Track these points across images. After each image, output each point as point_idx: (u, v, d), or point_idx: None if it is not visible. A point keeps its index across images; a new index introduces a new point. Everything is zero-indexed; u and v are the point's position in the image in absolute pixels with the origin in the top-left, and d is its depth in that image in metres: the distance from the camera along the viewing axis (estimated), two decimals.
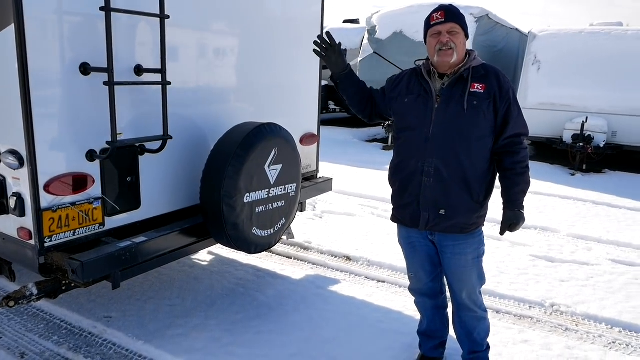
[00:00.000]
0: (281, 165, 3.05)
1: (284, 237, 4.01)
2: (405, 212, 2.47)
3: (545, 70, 9.06)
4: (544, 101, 8.96)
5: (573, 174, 8.30)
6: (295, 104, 3.85)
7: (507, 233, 2.45)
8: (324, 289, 3.74)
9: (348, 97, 2.66)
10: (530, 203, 6.42)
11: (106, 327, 3.11)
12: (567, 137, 8.50)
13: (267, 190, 2.99)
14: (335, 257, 4.44)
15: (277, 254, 4.46)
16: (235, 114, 3.24)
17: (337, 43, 2.56)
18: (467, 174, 2.35)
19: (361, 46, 11.50)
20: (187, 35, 2.93)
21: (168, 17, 2.56)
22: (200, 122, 3.04)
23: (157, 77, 2.64)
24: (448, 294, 2.69)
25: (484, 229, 2.56)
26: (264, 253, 4.45)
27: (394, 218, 2.58)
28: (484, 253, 2.56)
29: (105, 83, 2.36)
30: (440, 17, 2.34)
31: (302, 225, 5.11)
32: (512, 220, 2.40)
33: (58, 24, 2.29)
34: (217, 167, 2.77)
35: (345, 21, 14.60)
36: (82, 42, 2.39)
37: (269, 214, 3.03)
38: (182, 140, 2.92)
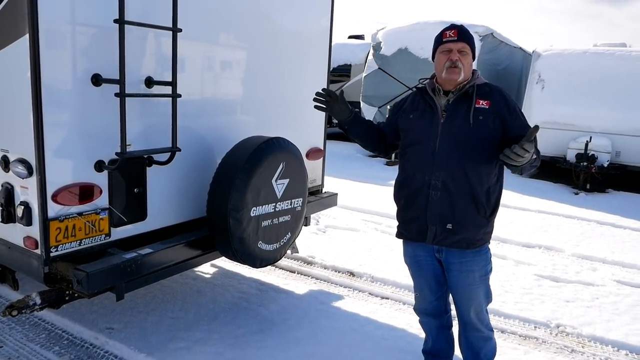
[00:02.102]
0: (288, 179, 3.05)
1: (289, 252, 3.99)
2: (412, 226, 2.47)
3: (549, 89, 9.10)
4: (547, 120, 8.97)
5: (577, 193, 8.29)
6: (302, 118, 3.86)
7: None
8: (327, 305, 3.71)
9: (360, 139, 2.68)
10: (534, 222, 6.43)
11: (108, 338, 3.08)
12: (571, 156, 8.50)
13: (274, 204, 2.98)
14: (339, 272, 4.41)
15: (280, 268, 4.44)
16: (243, 127, 3.25)
17: (340, 91, 2.62)
18: (474, 189, 2.35)
19: (366, 62, 11.56)
20: (197, 48, 2.95)
21: (180, 30, 2.58)
22: (208, 134, 3.05)
23: (168, 89, 2.65)
24: (453, 312, 2.67)
25: (490, 246, 2.54)
26: (267, 267, 4.44)
27: (399, 234, 2.57)
28: (491, 270, 2.54)
29: (116, 94, 2.37)
30: (453, 36, 2.36)
31: (305, 239, 5.09)
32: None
33: (71, 35, 2.32)
34: (224, 181, 2.77)
35: (351, 37, 14.72)
36: (94, 53, 2.40)
37: (275, 228, 3.02)
38: (189, 152, 2.92)
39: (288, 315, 3.49)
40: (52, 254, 2.38)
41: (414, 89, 2.58)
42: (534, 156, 2.24)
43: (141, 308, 3.49)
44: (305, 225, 4.08)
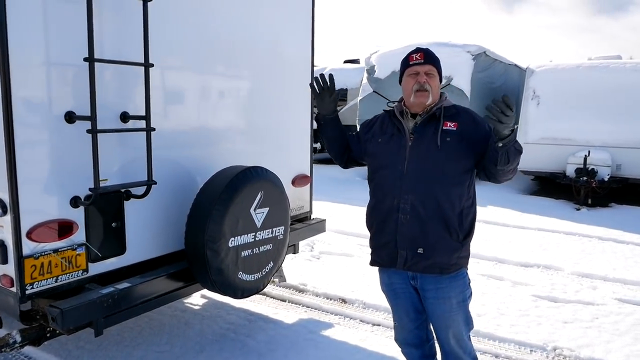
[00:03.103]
0: (268, 208, 3.04)
1: (276, 280, 3.96)
2: (383, 252, 2.44)
3: (544, 105, 9.10)
4: (545, 136, 8.96)
5: (578, 209, 8.20)
6: (287, 146, 3.88)
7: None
8: (316, 334, 3.65)
9: (328, 141, 2.69)
10: (533, 240, 6.35)
11: None
12: (571, 172, 8.45)
13: (254, 234, 2.97)
14: (331, 299, 4.36)
15: (271, 297, 4.40)
16: (224, 157, 3.25)
17: (336, 89, 2.61)
18: (444, 212, 2.32)
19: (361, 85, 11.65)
20: (174, 80, 2.98)
21: (152, 65, 2.62)
22: (188, 166, 3.06)
23: (143, 124, 2.67)
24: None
25: (477, 269, 2.48)
26: (257, 296, 4.39)
27: (372, 262, 2.53)
28: (470, 296, 2.50)
29: (88, 131, 2.40)
30: (419, 58, 2.38)
31: (298, 266, 5.06)
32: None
33: (44, 73, 2.35)
34: (200, 212, 2.77)
35: (346, 61, 14.87)
36: (67, 91, 2.43)
37: (255, 258, 3.00)
38: (168, 184, 2.93)
39: (275, 346, 3.44)
40: (27, 292, 2.37)
41: (383, 111, 2.58)
42: (518, 146, 2.19)
43: (127, 342, 3.45)
44: (294, 253, 4.08)
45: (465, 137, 2.34)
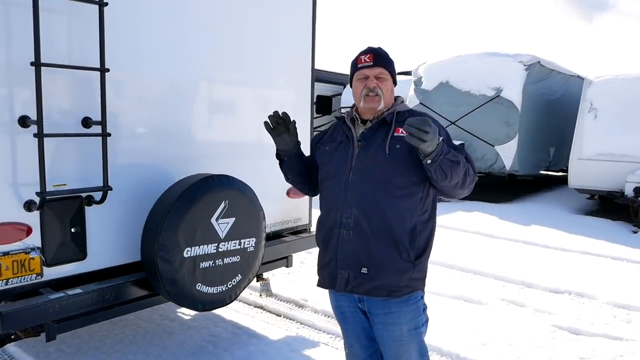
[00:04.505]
0: (234, 218, 2.93)
1: (263, 295, 3.83)
2: (325, 271, 2.23)
3: (602, 118, 8.37)
4: (602, 151, 8.23)
5: (635, 232, 7.41)
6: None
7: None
8: (296, 352, 3.48)
9: (292, 176, 2.42)
10: (570, 264, 5.77)
11: None
12: (629, 191, 7.67)
13: (216, 244, 2.86)
14: (329, 317, 4.15)
15: (267, 311, 4.28)
16: (201, 166, 3.19)
17: (292, 121, 2.29)
18: (392, 228, 2.08)
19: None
20: (140, 84, 2.95)
21: (108, 70, 2.61)
22: (156, 174, 3.00)
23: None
24: None
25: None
26: (253, 309, 4.30)
27: (318, 282, 2.32)
28: (424, 323, 2.23)
29: (34, 135, 2.42)
30: (368, 61, 2.18)
31: (302, 281, 4.90)
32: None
33: None
34: (154, 220, 2.71)
35: (398, 73, 14.57)
36: (21, 95, 2.47)
37: (218, 269, 2.90)
38: (134, 191, 2.90)
39: None
40: None
41: (335, 118, 2.39)
42: (452, 157, 1.95)
43: (106, 349, 3.46)
44: (287, 267, 3.93)
45: None
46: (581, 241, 6.76)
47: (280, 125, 2.28)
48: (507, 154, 9.45)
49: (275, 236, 3.86)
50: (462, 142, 9.75)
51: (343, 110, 3.06)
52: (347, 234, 2.12)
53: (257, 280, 3.81)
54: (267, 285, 3.81)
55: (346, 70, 2.29)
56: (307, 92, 4.06)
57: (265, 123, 2.31)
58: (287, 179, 2.48)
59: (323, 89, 15.68)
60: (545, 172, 11.96)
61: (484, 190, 10.87)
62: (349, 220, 2.12)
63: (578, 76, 11.20)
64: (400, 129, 2.13)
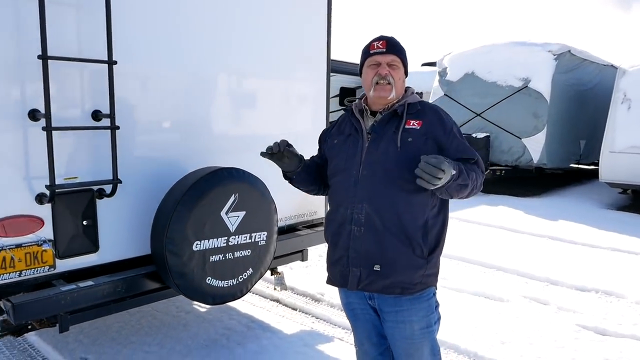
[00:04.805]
0: (244, 212, 2.90)
1: (277, 289, 3.81)
2: (336, 269, 2.17)
3: (636, 109, 8.03)
4: (635, 144, 7.91)
5: None
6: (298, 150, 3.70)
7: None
8: (310, 347, 3.44)
9: (304, 189, 2.38)
10: (598, 261, 5.56)
11: None
12: None
13: (226, 238, 2.84)
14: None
15: (283, 305, 4.26)
16: (211, 158, 3.16)
17: (285, 144, 2.16)
18: (405, 223, 2.01)
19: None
20: (152, 77, 2.93)
21: (115, 62, 2.60)
22: (168, 167, 2.99)
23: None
24: None
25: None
26: (269, 302, 4.28)
27: (327, 279, 2.27)
28: (437, 321, 2.16)
29: (43, 128, 2.42)
30: (381, 47, 2.09)
31: (319, 275, 4.85)
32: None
33: (6, 72, 2.41)
34: (163, 213, 2.70)
35: (424, 64, 14.35)
36: (31, 89, 2.48)
37: (229, 263, 2.87)
38: (146, 185, 2.89)
39: (262, 357, 3.29)
40: None
41: (343, 110, 2.31)
42: (462, 181, 1.90)
43: (121, 340, 3.49)
44: (302, 260, 3.90)
45: (430, 138, 2.03)
46: (611, 237, 6.51)
47: (274, 155, 2.18)
48: (535, 147, 9.18)
49: (290, 230, 3.83)
50: (488, 134, 9.53)
51: (349, 103, 2.99)
52: (359, 230, 2.06)
53: (272, 274, 3.79)
54: (282, 279, 3.78)
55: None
56: (322, 84, 3.99)
57: (262, 154, 2.21)
58: (302, 190, 2.42)
59: (347, 80, 15.51)
60: (576, 166, 11.60)
61: (510, 184, 10.62)
62: (360, 216, 2.05)
63: (612, 65, 10.77)
64: (412, 121, 2.06)
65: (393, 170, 2.02)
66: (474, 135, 9.56)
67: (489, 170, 9.84)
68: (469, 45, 10.28)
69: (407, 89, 2.17)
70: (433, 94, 10.65)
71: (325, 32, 3.91)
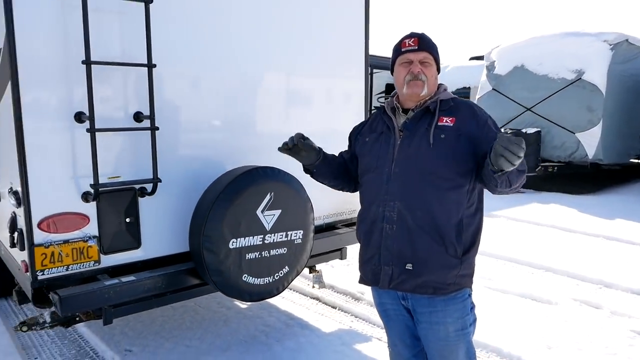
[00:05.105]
0: (280, 210, 2.92)
1: (315, 286, 3.81)
2: (367, 268, 2.15)
3: None
4: None
5: None
6: (331, 146, 3.70)
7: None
8: (347, 346, 3.43)
9: (328, 182, 2.38)
10: None
11: None
12: None
13: (262, 236, 2.87)
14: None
15: (323, 303, 4.26)
16: (250, 159, 3.19)
17: (299, 138, 2.18)
18: (438, 221, 1.97)
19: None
20: (192, 79, 3.00)
21: (154, 65, 2.67)
22: (207, 166, 3.05)
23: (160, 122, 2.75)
24: None
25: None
26: (308, 300, 4.31)
27: (360, 279, 2.25)
28: (472, 323, 2.11)
29: (87, 130, 2.53)
30: (412, 44, 2.06)
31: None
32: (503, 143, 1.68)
33: (53, 76, 2.52)
34: (200, 212, 2.76)
35: (472, 58, 13.98)
36: (77, 92, 2.59)
37: (265, 261, 2.90)
38: (186, 183, 2.96)
39: (300, 355, 3.31)
40: (39, 278, 2.58)
41: (374, 108, 2.28)
42: (521, 167, 1.83)
43: (165, 333, 3.60)
44: (341, 259, 3.88)
45: (464, 134, 1.98)
46: None
47: (292, 149, 2.21)
48: (590, 142, 8.76)
49: (329, 228, 3.83)
50: (539, 129, 9.18)
51: (382, 100, 2.93)
52: (391, 228, 2.03)
53: (310, 272, 3.80)
54: (320, 277, 3.79)
55: None
56: (361, 81, 3.96)
57: (279, 149, 2.26)
58: (326, 185, 2.42)
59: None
60: (636, 161, 10.97)
61: (563, 181, 10.18)
62: (392, 214, 2.03)
63: None
64: (445, 118, 2.01)
65: (426, 167, 1.99)
66: (523, 130, 9.22)
67: (540, 167, 9.46)
68: (518, 38, 9.92)
69: (439, 85, 2.13)
70: (480, 88, 10.36)
71: (363, 29, 3.88)
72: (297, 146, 2.19)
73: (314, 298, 4.36)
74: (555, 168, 9.47)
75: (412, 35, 2.08)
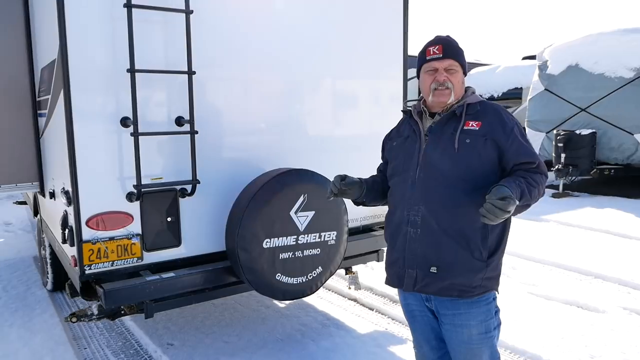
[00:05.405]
0: (313, 212, 2.98)
1: (351, 288, 3.84)
2: (392, 270, 2.17)
3: None
4: None
5: None
6: (370, 149, 3.72)
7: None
8: (382, 348, 3.44)
9: (382, 205, 2.37)
10: None
11: (162, 353, 3.38)
12: None
13: (295, 237, 2.94)
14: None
15: (361, 304, 4.28)
16: (285, 161, 3.27)
17: (339, 185, 2.17)
18: (462, 225, 1.97)
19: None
20: (235, 85, 3.12)
21: (194, 72, 2.81)
22: (246, 168, 3.15)
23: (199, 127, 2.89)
24: None
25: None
26: (346, 301, 4.34)
27: (385, 280, 2.27)
28: (497, 327, 2.08)
29: (131, 134, 2.69)
30: (437, 52, 2.06)
31: None
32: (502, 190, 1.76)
33: (101, 83, 2.70)
34: (236, 212, 2.86)
35: (525, 57, 13.54)
36: (123, 99, 2.76)
37: (298, 261, 2.98)
38: (222, 185, 3.08)
39: (334, 354, 3.35)
40: (86, 272, 2.77)
41: (402, 112, 2.29)
42: (524, 202, 1.86)
43: (205, 329, 3.74)
44: (377, 261, 3.90)
45: (490, 139, 1.97)
46: None
47: (337, 194, 2.21)
48: None
49: (366, 230, 3.86)
50: (594, 130, 8.79)
51: (410, 104, 2.95)
52: (415, 232, 2.05)
53: (346, 273, 3.84)
54: (356, 278, 3.82)
55: (466, 57, 2.15)
56: (399, 84, 3.96)
57: (328, 198, 2.26)
58: (380, 205, 2.40)
59: None
60: None
61: (620, 184, 9.68)
62: (417, 218, 2.04)
63: None
64: (471, 122, 2.00)
65: (450, 172, 1.99)
66: (577, 131, 8.86)
67: (595, 170, 9.05)
68: (572, 36, 9.54)
69: (467, 88, 2.12)
70: (532, 89, 10.03)
71: (402, 30, 3.88)
72: (341, 189, 2.20)
73: (351, 299, 4.39)
74: (612, 171, 9.03)
75: (436, 42, 2.07)
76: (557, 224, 7.03)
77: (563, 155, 8.89)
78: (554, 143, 9.19)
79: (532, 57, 13.44)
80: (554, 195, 9.10)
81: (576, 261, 5.26)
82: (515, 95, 12.34)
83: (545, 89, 9.66)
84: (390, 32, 3.82)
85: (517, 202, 1.78)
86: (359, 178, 2.27)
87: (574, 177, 9.19)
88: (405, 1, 3.83)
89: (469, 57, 2.14)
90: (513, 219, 2.02)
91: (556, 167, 9.06)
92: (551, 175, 10.37)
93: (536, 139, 9.92)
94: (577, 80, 9.06)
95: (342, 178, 2.19)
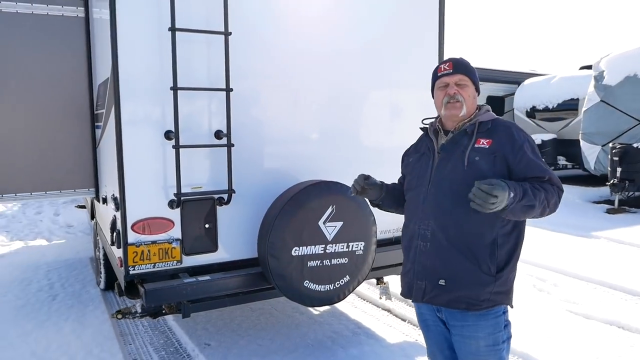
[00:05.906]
0: (342, 222, 3.10)
1: (382, 297, 3.91)
2: (404, 281, 2.26)
3: None
4: None
5: None
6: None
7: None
8: (409, 358, 3.48)
9: (395, 212, 2.49)
10: None
11: (199, 352, 3.59)
12: None
13: (323, 246, 3.07)
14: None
15: (393, 314, 4.34)
16: (316, 173, 3.40)
17: (362, 183, 2.30)
18: (469, 240, 2.03)
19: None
20: (262, 100, 3.29)
21: (232, 89, 3.01)
22: (281, 178, 3.31)
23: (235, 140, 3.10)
24: None
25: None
26: (379, 311, 4.41)
27: (400, 291, 2.36)
28: (506, 341, 2.11)
29: (173, 147, 2.91)
30: (447, 68, 2.16)
31: None
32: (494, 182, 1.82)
33: (148, 102, 2.96)
34: (267, 221, 3.02)
35: (582, 67, 13.06)
36: (166, 114, 3.00)
37: (326, 269, 3.09)
38: (256, 195, 3.25)
39: None
40: (130, 272, 3.01)
41: (421, 129, 2.38)
42: (527, 202, 1.88)
43: (241, 331, 3.92)
44: None
45: (499, 156, 2.03)
46: None
47: (359, 193, 2.34)
48: None
49: (398, 242, 3.90)
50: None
51: (427, 122, 2.98)
52: (425, 245, 2.13)
53: (377, 283, 3.92)
54: (386, 289, 3.88)
55: (520, 67, 2.25)
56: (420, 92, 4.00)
57: (350, 194, 2.39)
58: (393, 212, 2.51)
59: (494, 89, 14.87)
60: None
61: None
62: (426, 232, 2.12)
63: None
64: (482, 140, 2.07)
65: (459, 188, 2.05)
66: (634, 145, 8.48)
67: None
68: (630, 45, 9.16)
69: (480, 106, 2.19)
70: (588, 100, 9.71)
71: (437, 41, 3.93)
72: (363, 188, 2.33)
73: (385, 309, 4.45)
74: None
75: (447, 60, 2.18)
76: (608, 240, 6.77)
77: (619, 169, 8.54)
78: (609, 157, 8.84)
79: (590, 67, 12.98)
80: (608, 211, 8.73)
81: (623, 280, 5.07)
82: (571, 106, 11.93)
83: (601, 100, 9.33)
84: (428, 42, 3.88)
85: (510, 194, 1.81)
86: (380, 181, 2.40)
87: (630, 193, 8.79)
88: (441, 15, 3.88)
89: (523, 67, 2.20)
90: (538, 233, 2.06)
91: (611, 181, 8.71)
92: (606, 190, 9.96)
93: (591, 152, 9.57)
94: (635, 91, 8.70)
95: (366, 177, 2.33)
